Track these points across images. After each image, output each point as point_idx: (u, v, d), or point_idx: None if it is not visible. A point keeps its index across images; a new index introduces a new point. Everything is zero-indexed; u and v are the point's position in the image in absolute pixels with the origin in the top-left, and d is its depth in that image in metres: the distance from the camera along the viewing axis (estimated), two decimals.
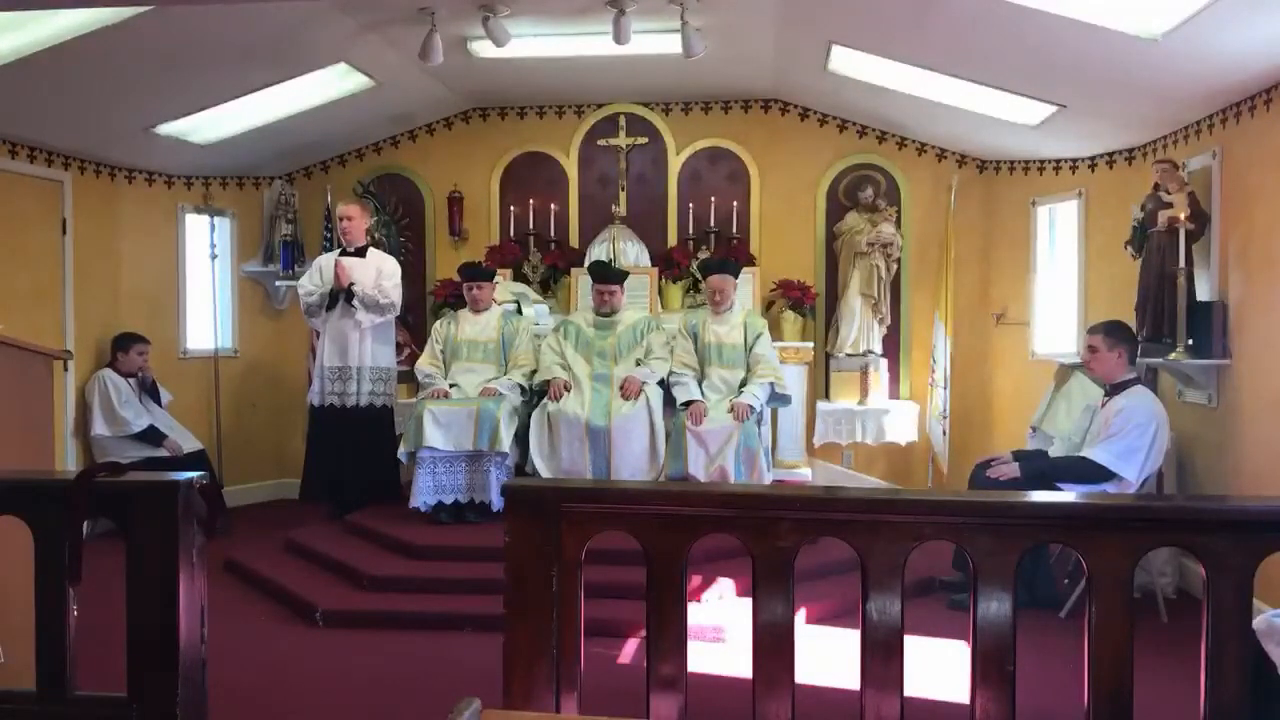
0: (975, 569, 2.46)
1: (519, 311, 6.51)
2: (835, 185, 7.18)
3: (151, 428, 6.44)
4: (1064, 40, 4.60)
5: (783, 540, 2.52)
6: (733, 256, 6.73)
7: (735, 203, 7.18)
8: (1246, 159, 4.84)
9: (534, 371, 6.08)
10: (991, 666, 2.44)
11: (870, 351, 6.92)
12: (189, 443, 6.63)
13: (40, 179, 6.15)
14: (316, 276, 6.25)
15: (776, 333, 6.59)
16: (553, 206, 7.31)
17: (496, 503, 5.66)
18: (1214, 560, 2.36)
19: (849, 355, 6.92)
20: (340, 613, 4.87)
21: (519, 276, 7.12)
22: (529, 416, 5.88)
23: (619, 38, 5.22)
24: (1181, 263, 4.91)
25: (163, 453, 6.41)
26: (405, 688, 4.04)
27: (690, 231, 7.25)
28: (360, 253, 6.28)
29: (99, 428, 6.34)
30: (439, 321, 6.41)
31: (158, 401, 6.69)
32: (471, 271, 6.26)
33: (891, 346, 7.09)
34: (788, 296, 6.87)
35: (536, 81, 6.81)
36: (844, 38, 5.62)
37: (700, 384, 5.90)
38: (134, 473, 2.65)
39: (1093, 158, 6.46)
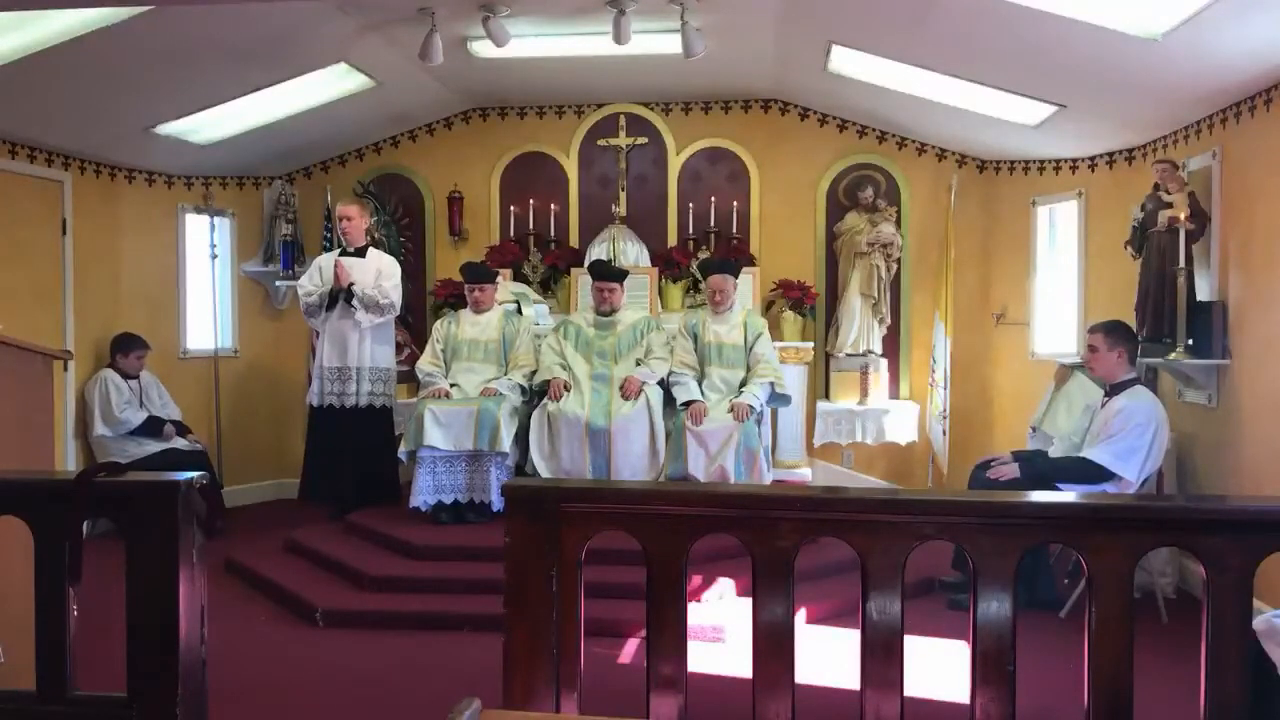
0: (975, 569, 2.46)
1: (519, 311, 6.51)
2: (835, 185, 7.18)
3: (150, 419, 6.45)
4: (1064, 40, 4.60)
5: (783, 540, 2.52)
6: (733, 256, 6.73)
7: (735, 203, 7.18)
8: (1246, 159, 4.84)
9: (534, 371, 6.07)
10: (991, 666, 2.44)
11: (870, 351, 6.92)
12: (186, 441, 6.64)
13: (40, 179, 6.14)
14: (316, 276, 6.25)
15: (776, 333, 6.59)
16: (553, 206, 7.31)
17: (497, 503, 5.66)
18: (1214, 560, 2.36)
19: (849, 355, 6.92)
20: (340, 613, 4.87)
21: (519, 276, 7.11)
22: (529, 416, 5.88)
23: (619, 38, 5.22)
24: (1181, 263, 4.91)
25: (166, 444, 6.42)
26: (405, 688, 4.04)
27: (690, 231, 7.24)
28: (360, 253, 6.28)
29: (99, 429, 6.35)
30: (439, 321, 6.41)
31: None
32: (475, 273, 6.26)
33: (891, 346, 7.09)
34: (788, 296, 6.87)
35: (536, 81, 6.81)
36: (844, 38, 5.62)
37: (700, 384, 5.90)
38: (134, 473, 2.65)
39: (1093, 158, 6.46)
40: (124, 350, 6.52)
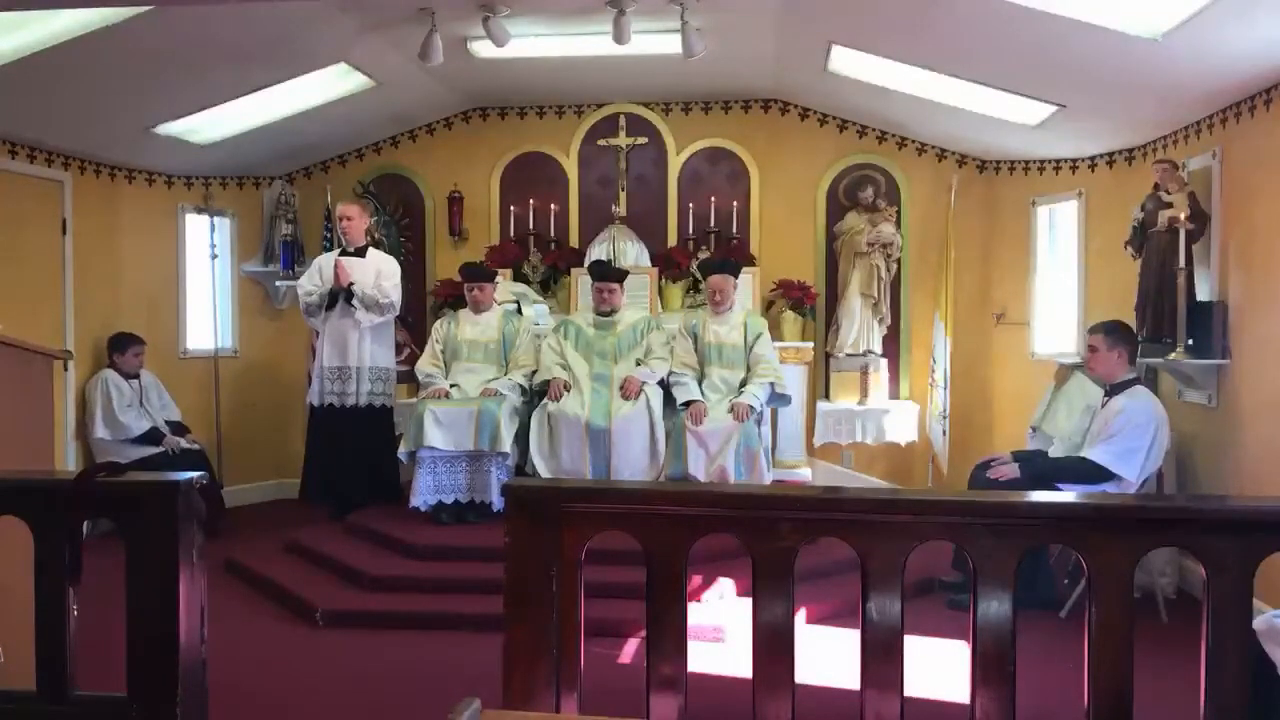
0: (975, 569, 2.46)
1: (519, 311, 6.51)
2: (835, 185, 7.18)
3: (152, 430, 6.44)
4: (1064, 40, 4.60)
5: (783, 540, 2.52)
6: (733, 256, 6.73)
7: (735, 203, 7.18)
8: (1246, 159, 4.83)
9: (534, 372, 6.07)
10: (991, 666, 2.44)
11: (870, 351, 6.91)
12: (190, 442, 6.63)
13: (40, 179, 6.14)
14: (316, 276, 6.25)
15: (776, 333, 6.58)
16: (553, 206, 7.31)
17: (497, 503, 5.66)
18: (1214, 560, 2.36)
19: (849, 355, 6.92)
20: (340, 613, 4.87)
21: (519, 276, 7.11)
22: (529, 416, 5.88)
23: (619, 38, 5.22)
24: (1181, 263, 4.91)
25: (161, 450, 6.41)
26: (405, 688, 4.04)
27: (690, 231, 7.24)
28: (360, 253, 6.28)
29: (100, 431, 6.33)
30: (439, 321, 6.41)
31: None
32: (473, 272, 6.26)
33: (891, 346, 7.09)
34: (788, 296, 6.86)
35: (536, 81, 6.81)
36: (844, 38, 5.62)
37: (700, 384, 5.90)
38: (134, 473, 2.66)
39: (1093, 158, 6.46)
40: (120, 349, 6.51)
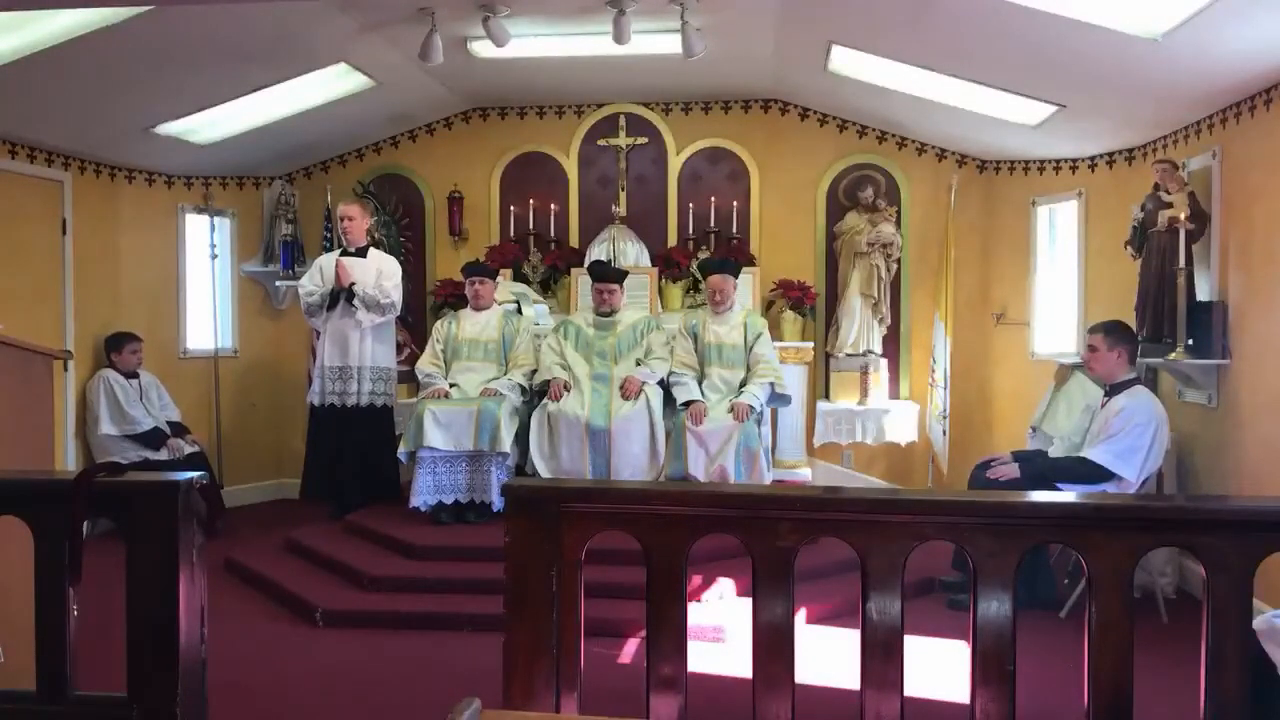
0: (975, 569, 2.46)
1: (519, 311, 6.51)
2: (835, 185, 7.18)
3: (156, 429, 6.44)
4: (1064, 40, 4.60)
5: (783, 540, 2.52)
6: (733, 256, 6.73)
7: (735, 203, 7.18)
8: (1246, 159, 4.84)
9: (534, 371, 6.08)
10: (991, 666, 2.44)
11: (870, 351, 6.91)
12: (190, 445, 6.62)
13: (40, 179, 6.14)
14: (317, 276, 6.26)
15: (776, 333, 6.59)
16: (553, 206, 7.31)
17: (497, 503, 5.66)
18: (1214, 560, 2.36)
19: (849, 355, 6.92)
20: (340, 613, 4.87)
21: (519, 276, 7.11)
22: (529, 416, 5.88)
23: (619, 38, 5.22)
24: (1181, 263, 4.91)
25: (162, 455, 6.40)
26: (405, 688, 4.04)
27: (690, 231, 7.24)
28: (361, 253, 6.29)
29: (106, 427, 6.30)
30: (440, 321, 6.42)
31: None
32: (474, 268, 6.28)
33: (891, 346, 7.09)
34: (788, 296, 6.86)
35: (536, 81, 6.81)
36: (844, 38, 5.62)
37: (700, 384, 5.90)
38: (134, 473, 2.65)
39: (1093, 158, 6.46)
40: (117, 348, 6.50)
